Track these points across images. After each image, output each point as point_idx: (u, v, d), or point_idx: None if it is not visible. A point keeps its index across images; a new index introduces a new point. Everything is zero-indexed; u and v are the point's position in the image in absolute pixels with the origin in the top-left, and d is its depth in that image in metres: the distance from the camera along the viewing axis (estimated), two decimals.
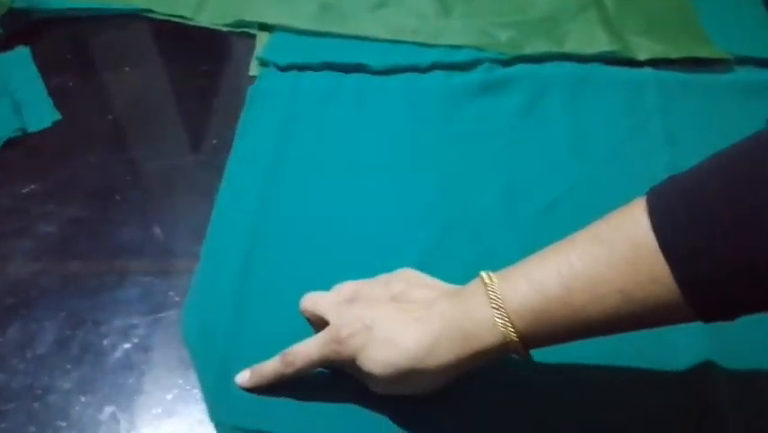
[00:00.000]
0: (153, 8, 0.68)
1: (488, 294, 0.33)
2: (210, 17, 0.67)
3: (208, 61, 0.64)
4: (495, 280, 0.33)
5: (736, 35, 0.64)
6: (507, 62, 0.61)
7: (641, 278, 0.29)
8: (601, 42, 0.62)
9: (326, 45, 0.63)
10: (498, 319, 0.32)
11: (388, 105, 0.57)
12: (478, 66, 0.60)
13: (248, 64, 0.62)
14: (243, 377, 0.39)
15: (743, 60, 0.61)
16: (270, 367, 0.38)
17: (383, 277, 0.40)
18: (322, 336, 0.37)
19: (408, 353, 0.33)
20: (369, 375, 0.35)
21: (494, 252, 0.46)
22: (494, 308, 0.32)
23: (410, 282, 0.38)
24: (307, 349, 0.37)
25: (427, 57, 0.61)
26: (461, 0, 0.68)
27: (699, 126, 0.55)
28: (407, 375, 0.34)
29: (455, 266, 0.45)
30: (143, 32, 0.68)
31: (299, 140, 0.54)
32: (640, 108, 0.57)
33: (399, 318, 0.35)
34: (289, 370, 0.37)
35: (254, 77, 0.61)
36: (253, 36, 0.65)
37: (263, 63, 0.62)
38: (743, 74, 0.60)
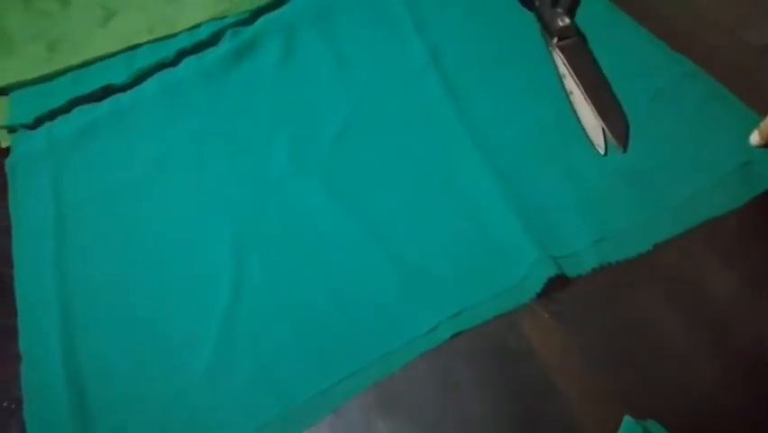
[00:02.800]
0: None
1: None
2: None
3: None
4: None
5: None
6: (248, 20, 0.59)
7: None
8: None
9: (68, 82, 0.59)
10: None
11: (149, 112, 0.55)
12: (223, 36, 0.58)
13: None
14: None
15: None
16: None
17: None
18: None
19: None
20: None
21: (303, 210, 0.46)
22: None
23: None
24: None
25: (171, 48, 0.58)
26: None
27: (443, 5, 0.56)
28: None
29: (274, 242, 0.45)
30: None
31: (76, 191, 0.51)
32: (388, 11, 0.57)
33: None
34: None
35: (8, 148, 0.56)
36: None
37: (11, 130, 0.57)
38: None
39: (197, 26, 0.60)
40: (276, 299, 0.43)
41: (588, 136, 0.45)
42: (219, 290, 0.44)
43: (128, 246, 0.47)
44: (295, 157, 0.49)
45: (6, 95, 0.60)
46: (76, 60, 0.60)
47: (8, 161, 0.54)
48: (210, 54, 0.58)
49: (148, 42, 0.60)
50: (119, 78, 0.57)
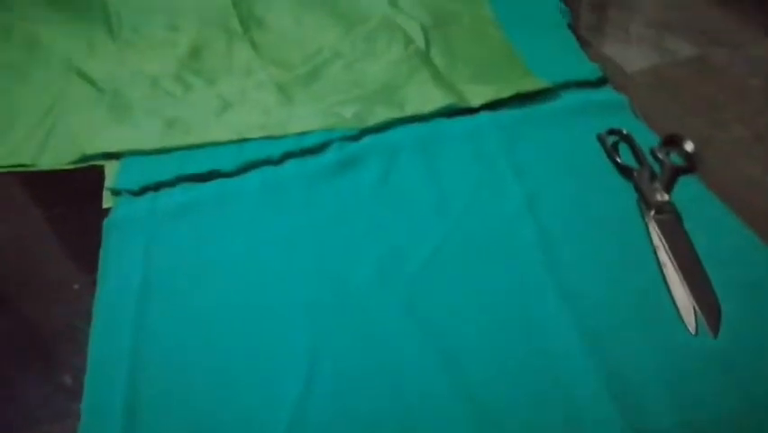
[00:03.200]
0: None
1: None
2: (52, 159, 0.65)
3: (59, 203, 0.61)
4: None
5: (555, 65, 0.70)
6: (355, 137, 0.63)
7: None
8: (437, 99, 0.65)
9: (177, 159, 0.63)
10: None
11: (248, 203, 0.57)
12: (329, 146, 0.62)
13: (101, 198, 0.60)
14: None
15: (565, 86, 0.67)
16: None
17: None
18: None
19: None
20: None
21: (380, 325, 0.47)
22: None
23: None
24: None
25: (279, 148, 0.62)
26: (301, 87, 0.70)
27: (540, 154, 0.59)
28: None
29: (348, 350, 0.45)
30: None
31: (166, 260, 0.53)
32: (485, 151, 0.60)
33: None
34: None
35: (109, 209, 0.59)
36: (101, 168, 0.64)
37: (116, 193, 0.60)
38: (568, 98, 0.66)
39: (307, 133, 0.64)
40: (344, 405, 0.42)
41: (678, 312, 0.45)
42: (289, 384, 0.44)
43: (207, 324, 0.48)
44: (381, 273, 0.50)
45: (117, 159, 0.64)
46: (188, 141, 0.64)
47: (107, 222, 0.57)
48: (314, 161, 0.61)
49: (258, 138, 0.64)
50: (226, 164, 0.61)
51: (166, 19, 0.84)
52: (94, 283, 0.52)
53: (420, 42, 0.75)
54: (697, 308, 0.45)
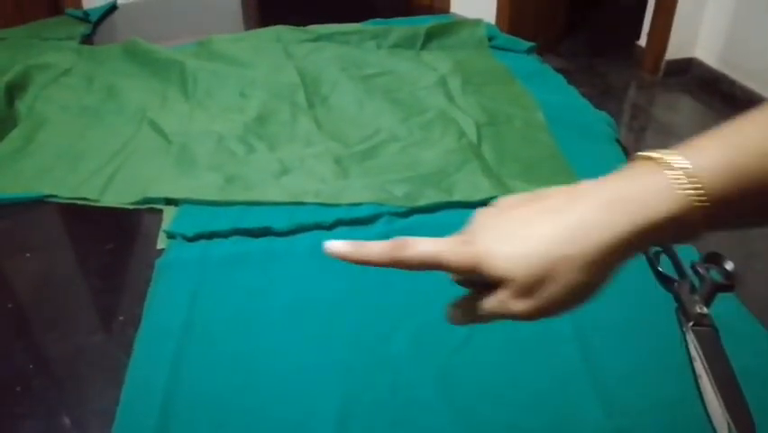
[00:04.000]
0: (58, 193, 0.69)
1: (655, 160, 0.29)
2: (116, 197, 0.69)
3: (114, 239, 0.64)
4: (661, 151, 0.29)
5: (602, 173, 0.72)
6: (404, 214, 0.65)
7: None
8: (485, 189, 0.68)
9: (232, 213, 0.66)
10: (675, 182, 0.28)
11: (296, 263, 0.60)
12: (378, 219, 0.65)
13: (155, 239, 0.63)
14: (339, 245, 0.33)
15: None
16: (379, 246, 0.33)
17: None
18: (444, 238, 0.32)
19: (544, 238, 0.29)
20: (505, 280, 0.29)
21: (411, 397, 0.47)
22: (671, 170, 0.28)
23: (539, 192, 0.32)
24: (424, 242, 0.32)
25: (331, 215, 0.65)
26: (357, 162, 0.74)
27: None
28: (548, 270, 0.28)
29: (378, 414, 0.45)
30: (45, 218, 0.68)
31: (210, 306, 0.55)
32: None
33: (533, 211, 0.30)
34: (398, 253, 0.33)
35: (162, 250, 0.62)
36: (160, 211, 0.67)
37: (171, 236, 0.63)
38: None
39: (358, 204, 0.67)
40: None
41: (712, 425, 0.45)
42: None
43: (242, 374, 0.49)
44: (416, 346, 0.51)
45: (176, 205, 0.68)
46: (245, 197, 0.68)
47: (159, 261, 0.59)
48: (363, 231, 0.63)
49: (312, 203, 0.67)
50: (279, 224, 0.63)
51: (238, 87, 0.90)
52: (138, 318, 0.54)
53: (473, 136, 0.79)
54: (731, 423, 0.44)
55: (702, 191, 0.28)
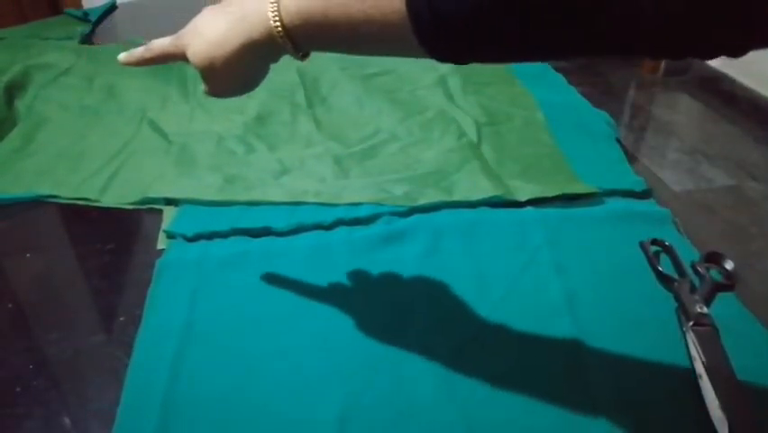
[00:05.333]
0: (58, 193, 0.69)
1: None
2: (116, 197, 0.69)
3: (114, 239, 0.64)
4: None
5: (601, 173, 0.73)
6: (404, 214, 0.65)
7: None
8: (485, 189, 0.68)
9: (232, 213, 0.66)
10: (270, 13, 0.39)
11: (295, 263, 0.60)
12: (378, 219, 0.65)
13: (155, 239, 0.63)
14: (123, 55, 0.48)
15: (610, 193, 0.69)
16: (139, 51, 0.48)
17: None
18: (172, 36, 0.46)
19: (208, 41, 0.42)
20: (194, 67, 0.44)
21: (414, 398, 0.47)
22: (272, 2, 0.39)
23: None
24: (163, 41, 0.47)
25: (330, 215, 0.65)
26: (357, 162, 0.74)
27: (583, 254, 0.61)
28: (213, 64, 0.42)
29: (378, 414, 0.45)
30: (45, 218, 0.68)
31: (211, 306, 0.55)
32: (528, 244, 0.62)
33: (215, 16, 0.42)
34: (148, 54, 0.47)
35: (162, 250, 0.62)
36: (160, 211, 0.67)
37: (170, 236, 0.63)
38: (612, 205, 0.68)
39: (358, 204, 0.67)
40: None
41: (712, 424, 0.45)
42: None
43: (242, 374, 0.49)
44: (417, 347, 0.51)
45: (176, 206, 0.68)
46: (245, 197, 0.68)
47: (160, 262, 0.59)
48: (363, 230, 0.63)
49: (312, 203, 0.67)
50: (278, 224, 0.63)
51: None
52: (139, 318, 0.54)
53: (473, 136, 0.79)
54: (731, 423, 0.44)
55: (278, 24, 0.39)
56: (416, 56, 0.37)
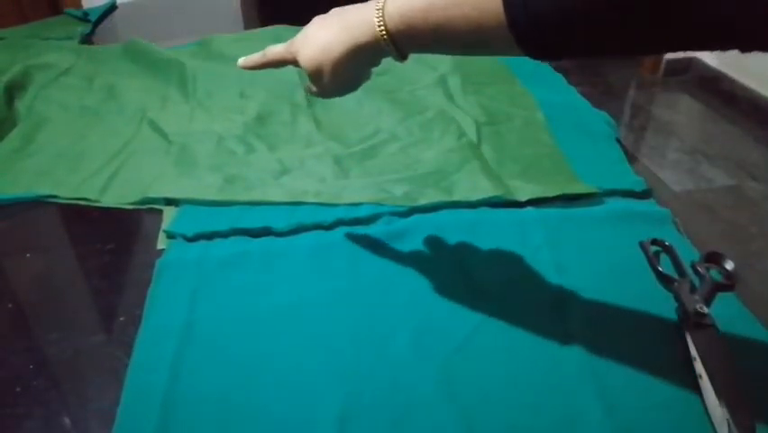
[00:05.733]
0: (58, 193, 0.69)
1: (377, 2, 0.44)
2: (115, 197, 0.69)
3: (114, 239, 0.64)
4: None
5: (601, 173, 0.73)
6: (404, 214, 0.65)
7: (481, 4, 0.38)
8: (485, 189, 0.68)
9: (232, 213, 0.66)
10: (376, 19, 0.43)
11: (295, 262, 0.60)
12: (378, 219, 0.65)
13: (155, 239, 0.63)
14: (242, 60, 0.54)
15: (610, 193, 0.69)
16: (256, 56, 0.53)
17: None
18: (286, 43, 0.51)
19: (317, 47, 0.47)
20: (305, 70, 0.49)
21: (414, 397, 0.47)
22: (377, 9, 0.43)
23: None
24: (278, 47, 0.51)
25: (330, 215, 0.65)
26: (357, 162, 0.74)
27: (583, 254, 0.61)
28: (321, 68, 0.47)
29: (378, 414, 0.45)
30: (45, 218, 0.68)
31: (211, 306, 0.55)
32: (528, 244, 0.62)
33: (323, 25, 0.47)
34: (264, 59, 0.52)
35: (162, 250, 0.62)
36: (160, 211, 0.67)
37: (171, 236, 0.63)
38: (612, 205, 0.68)
39: (358, 204, 0.67)
40: None
41: (712, 424, 0.45)
42: None
43: (242, 374, 0.49)
44: (417, 346, 0.51)
45: (176, 206, 0.68)
46: (245, 198, 0.68)
47: (160, 262, 0.59)
48: (363, 230, 0.63)
49: (312, 203, 0.67)
50: (278, 224, 0.63)
51: (238, 87, 0.90)
52: (139, 318, 0.54)
53: (472, 136, 0.79)
54: (731, 423, 0.44)
55: (383, 29, 0.43)
56: (511, 54, 0.40)
